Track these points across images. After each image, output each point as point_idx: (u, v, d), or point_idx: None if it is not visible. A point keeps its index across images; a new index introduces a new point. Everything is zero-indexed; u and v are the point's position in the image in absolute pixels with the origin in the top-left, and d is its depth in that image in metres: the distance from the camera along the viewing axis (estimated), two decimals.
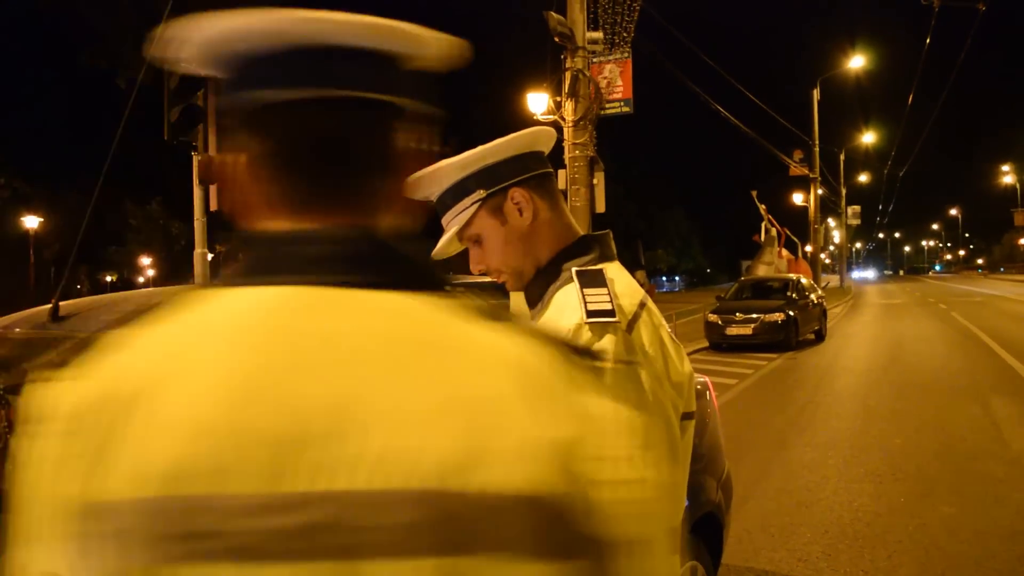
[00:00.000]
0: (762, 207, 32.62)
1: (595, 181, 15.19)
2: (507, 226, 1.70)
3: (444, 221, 1.76)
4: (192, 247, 8.61)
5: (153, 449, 0.66)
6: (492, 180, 1.69)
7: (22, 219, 35.12)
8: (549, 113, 15.38)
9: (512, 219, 1.70)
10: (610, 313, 1.53)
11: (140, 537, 0.65)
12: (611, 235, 1.79)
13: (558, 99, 15.10)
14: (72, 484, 0.67)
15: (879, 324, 24.65)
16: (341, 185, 0.80)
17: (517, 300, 1.78)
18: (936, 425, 8.72)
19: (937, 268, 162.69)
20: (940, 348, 17.05)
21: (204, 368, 0.70)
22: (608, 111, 15.51)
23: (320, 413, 0.67)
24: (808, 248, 43.02)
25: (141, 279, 56.80)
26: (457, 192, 1.70)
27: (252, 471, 0.66)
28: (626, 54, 15.50)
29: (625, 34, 15.35)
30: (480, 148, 1.69)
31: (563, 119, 15.02)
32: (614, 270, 1.67)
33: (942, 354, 15.86)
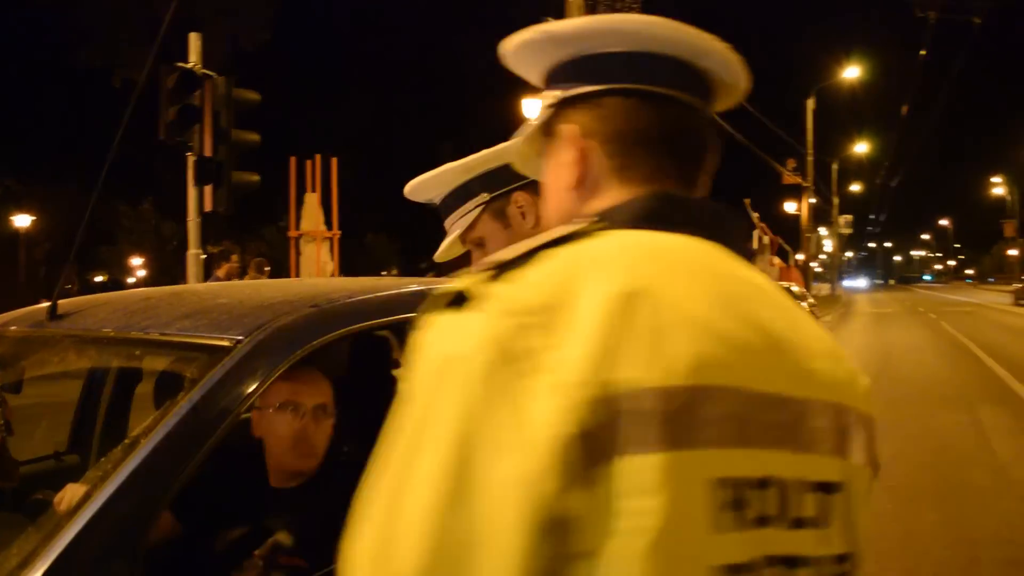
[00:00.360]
0: (755, 215, 32.65)
1: None
2: (510, 229, 1.75)
3: (447, 224, 1.80)
4: (184, 248, 8.63)
5: (675, 344, 0.79)
6: (496, 184, 1.74)
7: (12, 218, 34.96)
8: None
9: (515, 222, 1.74)
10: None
11: (671, 421, 0.77)
12: None
13: None
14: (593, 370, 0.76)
15: (870, 333, 24.77)
16: (696, 163, 1.03)
17: None
18: (925, 434, 8.81)
19: (927, 278, 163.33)
20: (929, 357, 17.16)
21: (684, 284, 0.85)
22: None
23: (780, 334, 0.87)
24: (799, 256, 43.16)
25: (131, 279, 56.62)
26: (460, 195, 1.74)
27: (747, 371, 0.82)
28: None
29: None
30: (484, 152, 1.74)
31: None
32: None
33: (931, 363, 15.96)
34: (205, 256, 8.83)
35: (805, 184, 40.77)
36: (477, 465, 0.74)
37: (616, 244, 0.88)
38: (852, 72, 41.77)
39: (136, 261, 49.91)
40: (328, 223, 18.89)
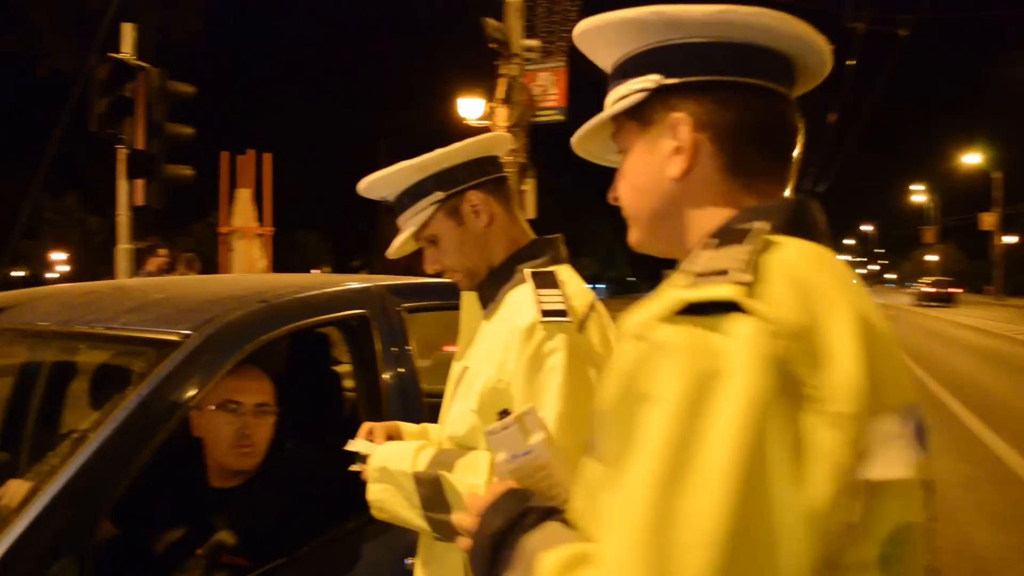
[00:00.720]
0: None
1: (525, 187, 15.33)
2: (463, 227, 1.77)
3: (400, 221, 1.81)
4: (111, 243, 8.42)
5: (897, 366, 0.89)
6: (449, 183, 1.76)
7: None
8: (483, 118, 15.49)
9: (468, 221, 1.77)
10: (562, 313, 1.59)
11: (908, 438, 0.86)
12: (562, 239, 1.86)
13: (492, 105, 15.19)
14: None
15: None
16: (791, 161, 1.04)
17: (469, 300, 1.86)
18: None
19: None
20: None
21: (867, 303, 0.91)
22: (541, 118, 15.64)
23: (899, 346, 0.92)
24: None
25: (52, 275, 54.82)
26: (414, 193, 1.76)
27: (899, 391, 0.88)
28: (561, 63, 15.67)
29: (561, 43, 15.51)
30: (437, 152, 1.76)
31: (496, 125, 15.11)
32: (566, 273, 1.74)
33: None
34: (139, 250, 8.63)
35: None
36: (764, 495, 0.74)
37: (809, 259, 0.91)
38: None
39: (58, 256, 48.41)
40: (260, 219, 18.65)
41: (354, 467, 1.78)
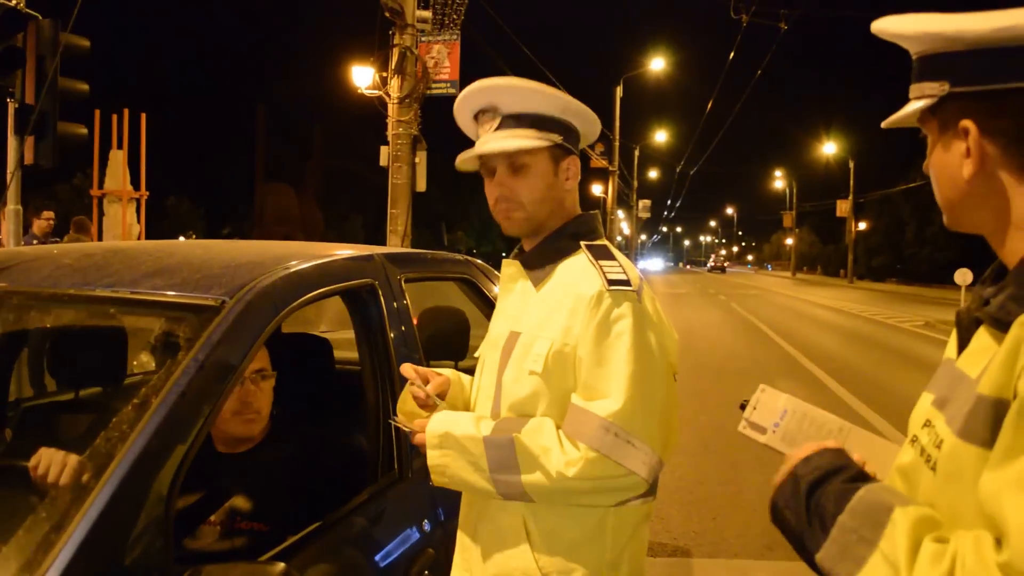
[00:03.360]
0: None
1: (417, 160, 15.25)
2: (554, 179, 1.82)
3: (491, 129, 1.79)
4: None
5: None
6: (571, 138, 1.82)
7: None
8: (374, 88, 15.26)
9: (560, 178, 1.83)
10: (627, 283, 1.70)
11: None
12: (599, 216, 1.94)
13: (384, 75, 14.99)
14: None
15: (669, 312, 26.24)
16: None
17: (510, 270, 1.90)
18: (734, 403, 9.52)
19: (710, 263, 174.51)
20: (726, 335, 18.46)
21: None
22: (434, 91, 15.54)
23: None
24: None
25: None
26: (537, 121, 1.77)
27: None
28: (455, 36, 15.61)
29: (455, 16, 15.45)
30: (580, 105, 1.80)
31: (388, 95, 14.94)
32: (611, 246, 1.84)
33: (728, 341, 17.18)
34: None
35: (611, 168, 42.43)
36: None
37: None
38: (658, 64, 43.70)
39: None
40: (135, 183, 17.83)
41: (397, 421, 1.84)
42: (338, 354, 3.04)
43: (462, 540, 1.87)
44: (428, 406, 1.82)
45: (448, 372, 1.94)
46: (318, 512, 1.96)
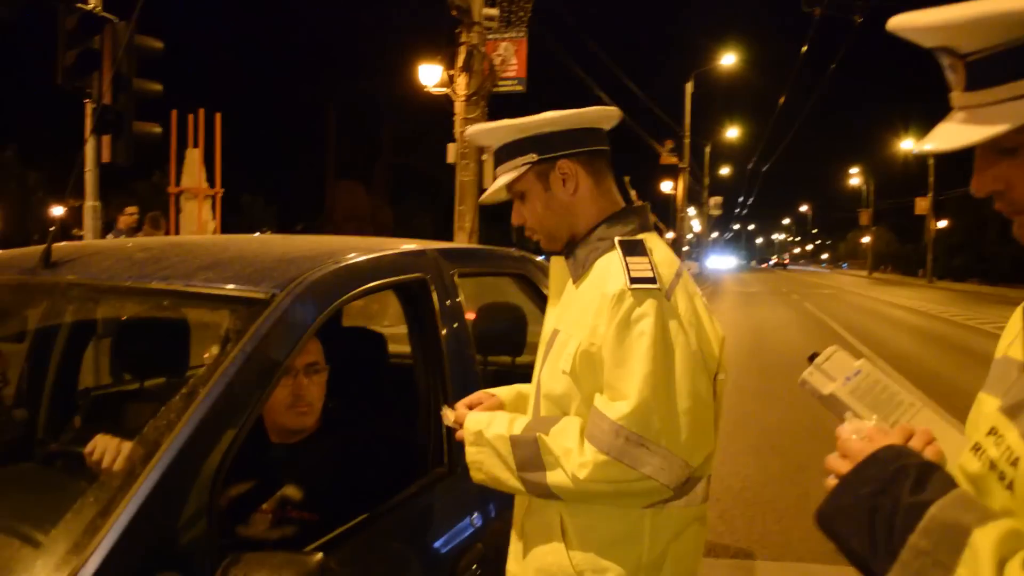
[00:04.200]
0: (633, 193, 33.64)
1: (484, 157, 15.30)
2: (549, 192, 1.83)
3: (496, 172, 1.89)
4: (49, 198, 8.19)
5: None
6: (545, 147, 1.81)
7: None
8: (442, 86, 15.36)
9: (555, 188, 1.83)
10: (651, 280, 1.67)
11: None
12: (649, 207, 1.92)
13: (451, 73, 15.08)
14: None
15: (740, 312, 25.86)
16: None
17: (557, 266, 1.91)
18: (804, 404, 9.33)
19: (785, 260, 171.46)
20: (797, 335, 18.10)
21: None
22: (501, 88, 15.59)
23: None
24: (670, 235, 44.50)
25: None
26: (512, 150, 1.83)
27: None
28: (522, 33, 15.63)
29: (522, 13, 15.47)
30: (542, 115, 1.80)
31: (455, 93, 15.04)
32: (653, 240, 1.81)
33: (799, 341, 16.84)
34: (68, 211, 8.47)
35: (681, 165, 41.99)
36: None
37: None
38: (729, 59, 43.06)
39: None
40: (211, 181, 18.30)
41: (449, 422, 1.92)
42: (398, 348, 3.06)
43: (512, 534, 1.92)
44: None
45: (506, 391, 1.99)
46: (367, 504, 1.97)
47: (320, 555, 1.37)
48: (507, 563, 1.93)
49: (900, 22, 1.06)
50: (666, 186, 44.92)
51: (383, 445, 2.29)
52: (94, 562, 1.29)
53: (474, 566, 2.11)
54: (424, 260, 2.35)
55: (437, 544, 2.07)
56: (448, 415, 1.91)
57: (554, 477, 1.66)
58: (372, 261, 2.14)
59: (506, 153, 1.83)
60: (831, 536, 1.14)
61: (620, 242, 1.76)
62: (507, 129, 1.81)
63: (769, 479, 6.39)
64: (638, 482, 1.61)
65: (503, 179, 1.84)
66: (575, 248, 1.84)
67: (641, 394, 1.61)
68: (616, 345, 1.65)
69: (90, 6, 7.56)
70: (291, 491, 2.12)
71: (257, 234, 3.14)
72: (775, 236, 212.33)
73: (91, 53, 7.43)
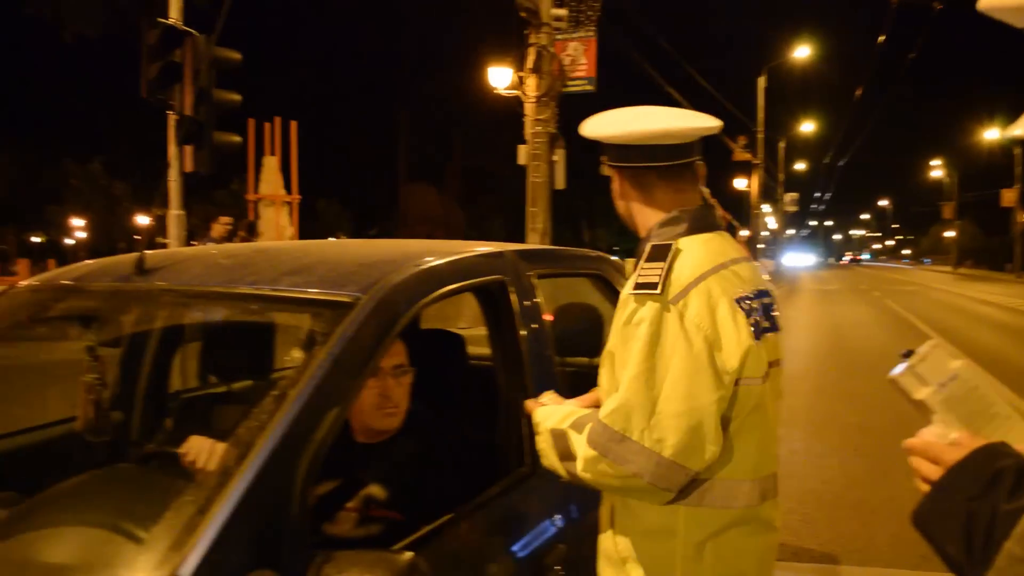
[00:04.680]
0: (706, 191, 33.23)
1: (555, 158, 15.30)
2: (620, 191, 1.99)
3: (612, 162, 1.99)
4: (135, 208, 8.47)
5: None
6: (612, 155, 1.93)
7: None
8: (511, 88, 15.41)
9: (615, 189, 1.99)
10: (653, 286, 1.73)
11: None
12: (714, 208, 1.93)
13: (521, 74, 15.12)
14: None
15: (818, 309, 25.33)
16: None
17: (627, 268, 2.05)
18: (886, 404, 9.07)
19: (866, 257, 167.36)
20: (878, 333, 17.65)
21: None
22: (571, 88, 15.57)
23: None
24: (745, 232, 43.81)
25: (70, 240, 55.03)
26: (601, 148, 1.94)
27: None
28: (591, 32, 15.58)
29: (591, 12, 15.42)
30: (624, 129, 1.86)
31: (525, 94, 15.07)
32: (691, 243, 1.83)
33: (881, 339, 16.42)
34: (153, 220, 8.81)
35: (755, 161, 41.31)
36: None
37: None
38: (803, 52, 42.20)
39: (77, 222, 48.64)
40: (287, 187, 18.71)
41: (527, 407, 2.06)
42: (475, 350, 3.09)
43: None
44: None
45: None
46: (450, 504, 1.99)
47: (411, 554, 1.39)
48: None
49: (992, 1, 1.03)
50: (740, 183, 44.25)
51: (465, 445, 2.31)
52: (194, 559, 1.33)
53: (557, 567, 2.11)
54: (502, 262, 2.37)
55: (520, 544, 2.08)
56: (528, 405, 2.04)
57: (582, 469, 1.77)
58: (451, 264, 2.17)
59: (600, 144, 1.93)
60: (927, 539, 1.12)
61: (652, 247, 1.83)
62: (590, 130, 1.91)
63: (853, 481, 6.24)
64: (627, 479, 1.69)
65: (610, 173, 1.99)
66: (641, 246, 1.93)
67: (625, 394, 1.70)
68: (621, 347, 1.78)
69: (171, 20, 7.81)
70: (375, 490, 2.15)
71: (331, 239, 3.20)
72: (853, 232, 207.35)
73: (173, 66, 7.67)
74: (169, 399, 3.11)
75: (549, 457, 1.86)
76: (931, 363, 1.24)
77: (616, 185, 1.97)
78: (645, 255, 1.81)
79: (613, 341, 1.82)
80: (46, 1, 21.05)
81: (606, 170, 1.98)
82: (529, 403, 2.03)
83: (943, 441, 1.15)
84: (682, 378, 1.68)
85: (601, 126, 1.88)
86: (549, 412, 1.92)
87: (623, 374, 1.72)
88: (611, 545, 1.89)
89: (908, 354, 1.28)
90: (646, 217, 1.93)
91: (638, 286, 1.75)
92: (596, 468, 1.71)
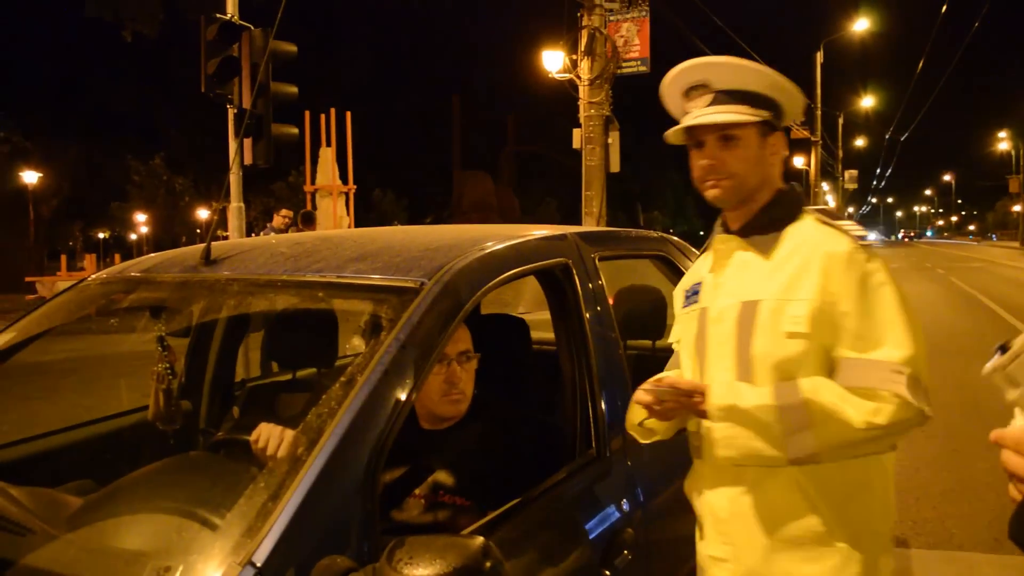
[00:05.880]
0: None
1: (610, 140, 15.18)
2: (761, 153, 1.87)
3: (702, 104, 1.85)
4: (195, 201, 8.61)
5: None
6: (777, 115, 1.87)
7: (20, 174, 34.69)
8: (565, 71, 15.30)
9: (766, 152, 1.88)
10: (865, 238, 1.80)
11: None
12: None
13: (574, 57, 15.02)
14: None
15: None
16: None
17: (726, 246, 1.96)
18: (956, 385, 8.86)
19: (929, 234, 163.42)
20: (945, 312, 17.19)
21: None
22: (625, 70, 15.39)
23: None
24: None
25: (133, 235, 56.39)
26: (751, 98, 1.83)
27: None
28: (644, 12, 15.37)
29: None
30: (788, 83, 1.84)
31: (579, 78, 14.97)
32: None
33: (948, 318, 15.99)
34: (215, 213, 8.95)
35: (814, 139, 40.50)
36: None
37: None
38: (862, 25, 41.17)
39: (140, 217, 49.82)
40: (343, 178, 18.91)
41: (648, 400, 1.87)
42: (535, 334, 3.07)
43: (716, 513, 1.91)
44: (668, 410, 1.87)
45: (671, 375, 2.02)
46: (518, 489, 1.98)
47: (481, 539, 1.38)
48: (707, 547, 1.94)
49: None
50: (798, 161, 43.46)
51: (531, 430, 2.30)
52: (268, 544, 1.34)
53: (625, 551, 2.09)
54: (565, 245, 2.34)
55: (588, 528, 2.06)
56: (643, 396, 1.86)
57: (825, 434, 1.70)
58: (514, 248, 2.15)
59: (737, 96, 1.82)
60: (1020, 542, 1.06)
61: (816, 210, 1.87)
62: (765, 78, 1.83)
63: (922, 463, 6.09)
64: (916, 419, 1.71)
65: (715, 117, 1.82)
66: (762, 217, 1.89)
67: (911, 338, 1.73)
68: (860, 299, 1.74)
69: (228, 16, 7.91)
70: (442, 476, 2.15)
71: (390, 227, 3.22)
72: (916, 208, 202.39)
73: (231, 61, 7.77)
74: (236, 387, 3.15)
75: (752, 440, 1.74)
76: None
77: (761, 150, 1.86)
78: (821, 216, 1.85)
79: (830, 295, 1.73)
80: (106, 3, 21.48)
81: (752, 132, 1.84)
82: (656, 387, 1.85)
83: None
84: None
85: (779, 79, 1.84)
86: (733, 391, 1.78)
87: (877, 322, 1.72)
88: (809, 522, 1.79)
89: (1003, 348, 1.20)
90: (773, 184, 1.90)
91: (860, 238, 1.79)
92: (902, 413, 1.67)
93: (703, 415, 1.80)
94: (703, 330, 1.92)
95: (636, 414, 1.95)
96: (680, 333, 2.04)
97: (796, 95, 1.86)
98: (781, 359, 1.76)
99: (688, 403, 1.81)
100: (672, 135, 1.89)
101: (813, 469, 1.76)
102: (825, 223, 1.83)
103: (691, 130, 1.87)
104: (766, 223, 1.88)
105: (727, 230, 1.95)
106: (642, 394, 1.86)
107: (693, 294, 2.01)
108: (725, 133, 1.83)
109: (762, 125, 1.85)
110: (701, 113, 1.84)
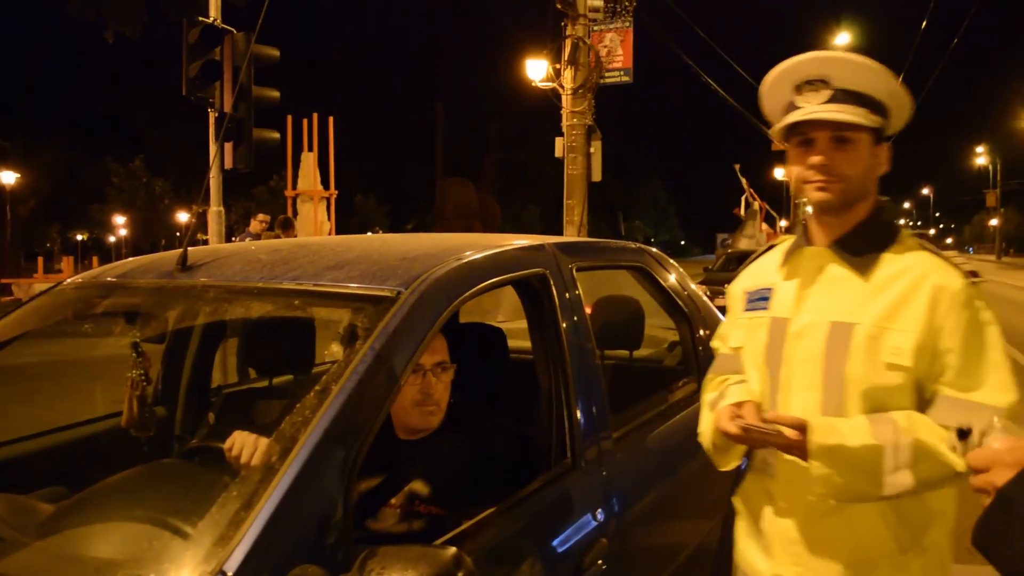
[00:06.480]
0: (744, 181, 32.93)
1: (592, 150, 15.22)
2: (872, 160, 1.80)
3: (817, 100, 1.76)
4: (175, 205, 8.58)
5: None
6: (887, 125, 1.81)
7: None
8: (548, 80, 15.34)
9: (875, 161, 1.81)
10: (976, 274, 1.75)
11: None
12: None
13: (557, 66, 15.05)
14: None
15: None
16: None
17: (812, 259, 1.85)
18: None
19: None
20: None
21: None
22: (608, 80, 15.47)
23: None
24: (783, 223, 43.32)
25: (112, 238, 55.97)
26: (869, 102, 1.75)
27: None
28: (627, 23, 15.45)
29: (627, 3, 15.30)
30: (905, 92, 1.78)
31: (562, 87, 15.01)
32: None
33: None
34: (194, 217, 8.90)
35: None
36: None
37: None
38: (843, 39, 41.51)
39: (119, 220, 49.46)
40: (325, 183, 18.84)
41: (734, 430, 1.76)
42: (516, 343, 3.08)
43: (786, 534, 1.84)
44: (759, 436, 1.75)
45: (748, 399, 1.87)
46: (493, 498, 1.98)
47: (454, 549, 1.38)
48: (775, 566, 1.87)
49: None
50: (778, 172, 43.71)
51: (506, 440, 2.30)
52: (239, 553, 1.33)
53: (599, 561, 2.09)
54: (543, 255, 2.35)
55: (563, 538, 2.07)
56: (730, 427, 1.74)
57: (926, 472, 1.64)
58: (492, 257, 2.15)
59: (856, 97, 1.73)
60: (992, 558, 1.06)
61: (918, 235, 1.83)
62: (887, 84, 1.75)
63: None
64: None
65: (832, 115, 1.72)
66: (858, 235, 1.80)
67: (1016, 384, 1.67)
68: (966, 336, 1.68)
69: (211, 19, 7.88)
70: (418, 486, 2.15)
71: (369, 234, 3.21)
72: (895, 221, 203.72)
73: (213, 64, 7.72)
74: (211, 394, 3.14)
75: (854, 481, 1.66)
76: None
77: (872, 158, 1.79)
78: (929, 247, 1.78)
79: (935, 330, 1.68)
80: (88, 3, 21.29)
81: (866, 137, 1.76)
82: (753, 429, 1.73)
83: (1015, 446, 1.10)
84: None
85: (898, 88, 1.76)
86: (835, 428, 1.67)
87: (982, 362, 1.67)
88: (887, 550, 1.75)
89: (963, 434, 1.23)
90: (872, 196, 1.83)
91: (970, 273, 1.74)
92: None
93: (802, 453, 1.68)
94: (778, 342, 1.83)
95: (718, 438, 1.86)
96: (744, 340, 1.94)
97: (908, 108, 1.79)
98: (874, 387, 1.71)
99: (780, 440, 1.69)
100: (777, 131, 1.80)
101: (898, 499, 1.70)
102: (935, 253, 1.76)
103: (801, 126, 1.76)
104: (866, 239, 1.80)
105: (808, 239, 1.86)
106: (729, 425, 1.75)
107: (761, 299, 1.92)
108: (841, 134, 1.73)
109: (875, 132, 1.77)
110: (818, 109, 1.73)
